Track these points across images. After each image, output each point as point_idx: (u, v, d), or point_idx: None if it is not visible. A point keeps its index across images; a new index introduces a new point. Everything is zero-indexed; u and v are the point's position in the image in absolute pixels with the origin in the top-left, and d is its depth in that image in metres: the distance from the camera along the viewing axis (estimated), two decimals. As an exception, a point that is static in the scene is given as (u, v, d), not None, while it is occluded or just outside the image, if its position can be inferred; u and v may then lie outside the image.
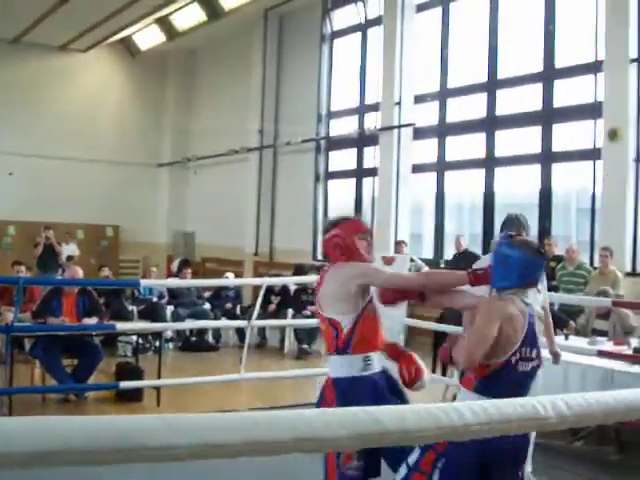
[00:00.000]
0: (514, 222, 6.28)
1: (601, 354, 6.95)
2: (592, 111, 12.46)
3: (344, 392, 4.26)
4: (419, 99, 16.02)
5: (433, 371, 10.29)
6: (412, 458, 3.89)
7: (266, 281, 10.44)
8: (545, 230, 13.15)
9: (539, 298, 6.46)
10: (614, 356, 6.97)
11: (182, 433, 1.30)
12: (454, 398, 8.80)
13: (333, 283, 4.36)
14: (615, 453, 7.24)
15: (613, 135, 11.81)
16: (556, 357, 6.38)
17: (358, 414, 1.52)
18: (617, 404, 1.88)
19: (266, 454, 1.45)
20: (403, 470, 3.93)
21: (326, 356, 4.58)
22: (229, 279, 13.76)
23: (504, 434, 1.77)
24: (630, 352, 7.10)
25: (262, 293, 9.35)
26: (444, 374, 9.64)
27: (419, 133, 15.92)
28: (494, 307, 3.94)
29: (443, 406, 1.66)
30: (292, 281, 13.42)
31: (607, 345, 7.79)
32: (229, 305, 14.06)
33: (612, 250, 10.62)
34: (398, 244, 14.26)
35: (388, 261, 8.98)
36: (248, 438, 1.36)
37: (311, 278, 12.69)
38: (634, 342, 7.78)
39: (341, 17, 18.54)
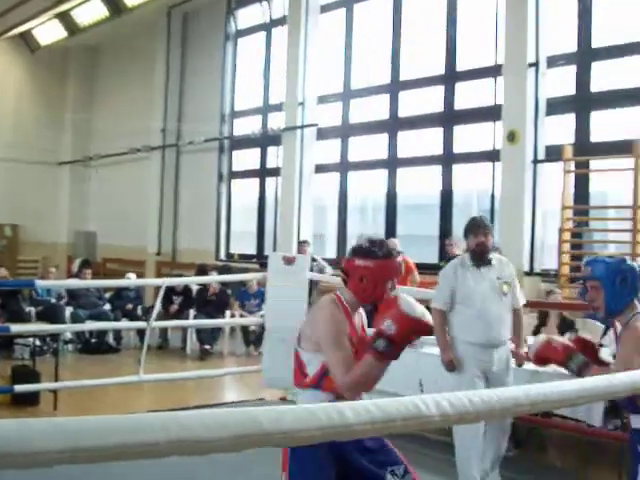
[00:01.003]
0: (480, 225, 6.23)
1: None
2: (492, 114, 12.69)
3: None
4: (323, 99, 16.06)
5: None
6: None
7: (166, 281, 10.29)
8: (446, 231, 13.33)
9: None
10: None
11: (39, 437, 1.24)
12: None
13: None
14: (511, 449, 7.36)
15: (511, 137, 12.05)
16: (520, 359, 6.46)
17: (236, 415, 1.49)
18: (500, 402, 1.89)
19: (139, 457, 1.40)
20: None
21: None
22: (128, 279, 13.53)
23: (389, 433, 1.76)
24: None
25: (162, 293, 9.21)
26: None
27: (322, 133, 15.97)
28: None
29: (325, 406, 1.63)
30: (192, 281, 13.30)
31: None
32: (130, 306, 13.83)
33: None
34: (301, 244, 14.24)
35: (289, 261, 8.93)
36: (118, 441, 1.31)
37: (213, 278, 12.64)
38: (530, 340, 7.91)
39: (246, 16, 18.48)
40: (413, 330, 3.55)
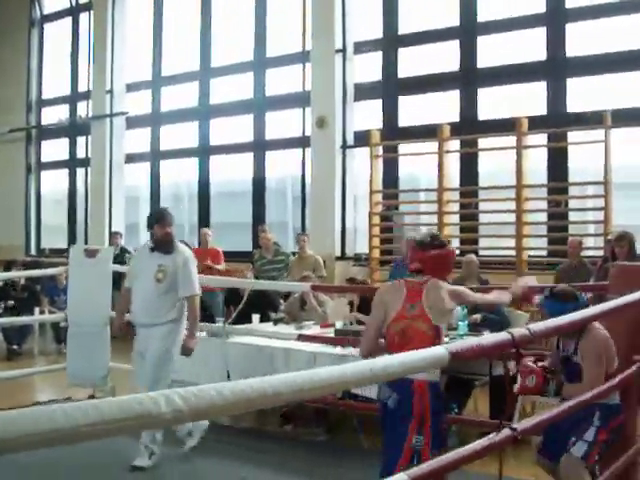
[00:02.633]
0: (168, 216, 6.42)
1: (301, 338, 7.02)
2: (301, 100, 12.69)
3: (438, 396, 4.45)
4: (132, 87, 15.64)
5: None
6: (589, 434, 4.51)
7: (-36, 279, 9.71)
8: (260, 218, 13.25)
9: None
10: (314, 339, 7.06)
11: None
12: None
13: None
14: (323, 434, 7.36)
15: (320, 123, 12.09)
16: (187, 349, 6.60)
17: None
18: (246, 394, 1.76)
19: None
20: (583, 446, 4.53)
21: None
22: None
23: (114, 435, 1.60)
24: (332, 335, 7.22)
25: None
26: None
27: (132, 122, 15.56)
28: None
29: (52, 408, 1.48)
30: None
31: (314, 329, 7.89)
32: None
33: (308, 234, 10.86)
34: (113, 235, 13.84)
35: (91, 253, 8.59)
36: None
37: (13, 274, 12.06)
38: (339, 325, 7.93)
39: (51, 1, 17.73)
40: None
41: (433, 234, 4.93)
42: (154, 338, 6.30)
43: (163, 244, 6.33)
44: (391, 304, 4.56)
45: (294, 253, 11.21)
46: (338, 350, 6.93)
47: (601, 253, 8.95)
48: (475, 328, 7.34)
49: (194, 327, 6.46)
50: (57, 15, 17.62)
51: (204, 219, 14.18)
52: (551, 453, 4.78)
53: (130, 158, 15.66)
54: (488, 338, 3.00)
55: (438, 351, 2.61)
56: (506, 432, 3.14)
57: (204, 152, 14.51)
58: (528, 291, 5.15)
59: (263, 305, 9.44)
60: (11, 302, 12.78)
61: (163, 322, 6.31)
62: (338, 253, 11.95)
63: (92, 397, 8.82)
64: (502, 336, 3.02)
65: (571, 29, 10.70)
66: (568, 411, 3.97)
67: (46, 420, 1.43)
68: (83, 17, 16.71)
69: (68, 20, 17.22)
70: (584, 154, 10.48)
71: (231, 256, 12.00)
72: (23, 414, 1.46)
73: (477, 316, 7.70)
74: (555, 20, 10.72)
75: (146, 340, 6.34)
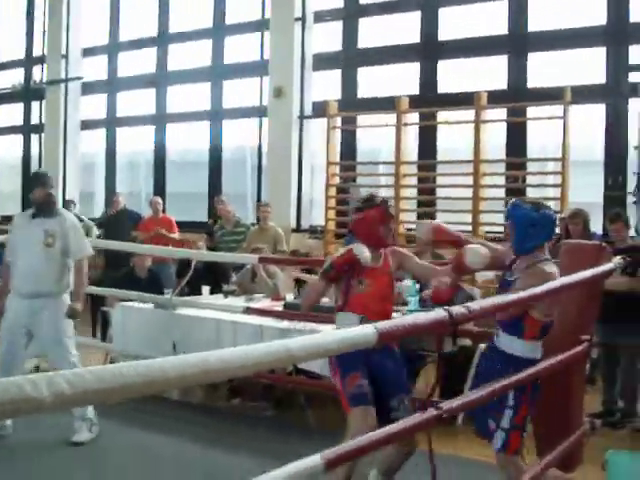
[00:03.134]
0: (49, 180, 6.26)
1: (249, 311, 6.87)
2: (259, 69, 12.48)
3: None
4: (88, 52, 15.30)
5: (93, 335, 9.88)
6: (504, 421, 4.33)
7: None
8: (216, 188, 13.07)
9: None
10: (262, 312, 6.92)
11: None
12: (112, 362, 8.47)
13: None
14: (270, 409, 7.26)
15: (278, 93, 11.90)
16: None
17: None
18: (128, 378, 1.61)
19: None
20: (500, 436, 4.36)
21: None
22: None
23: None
24: (281, 308, 7.09)
25: None
26: (104, 339, 9.21)
27: (88, 88, 15.23)
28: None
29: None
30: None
31: (263, 302, 7.76)
32: None
33: (270, 205, 10.65)
34: (66, 203, 13.53)
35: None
36: None
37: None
38: (289, 298, 7.81)
39: (6, -39, 17.28)
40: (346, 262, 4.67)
41: (366, 196, 5.06)
42: (46, 313, 6.02)
43: (45, 206, 6.09)
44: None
45: (254, 224, 11.05)
46: (285, 324, 6.80)
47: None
48: (426, 304, 7.24)
49: (81, 288, 6.25)
50: (12, -25, 17.18)
51: (160, 188, 13.94)
52: (481, 432, 4.67)
53: (86, 125, 15.34)
54: (424, 316, 2.87)
55: (366, 330, 2.47)
56: (431, 412, 3.04)
57: (161, 120, 14.24)
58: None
59: (215, 277, 9.29)
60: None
61: (54, 292, 6.05)
62: (294, 225, 11.80)
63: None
64: (439, 314, 2.90)
65: (533, 3, 10.57)
66: (497, 392, 3.86)
67: None
68: (38, -22, 16.29)
69: (23, -19, 16.79)
70: (543, 130, 10.41)
71: (186, 226, 11.79)
72: None
73: (428, 292, 7.59)
74: (517, -7, 10.60)
75: (33, 314, 6.02)
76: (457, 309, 2.99)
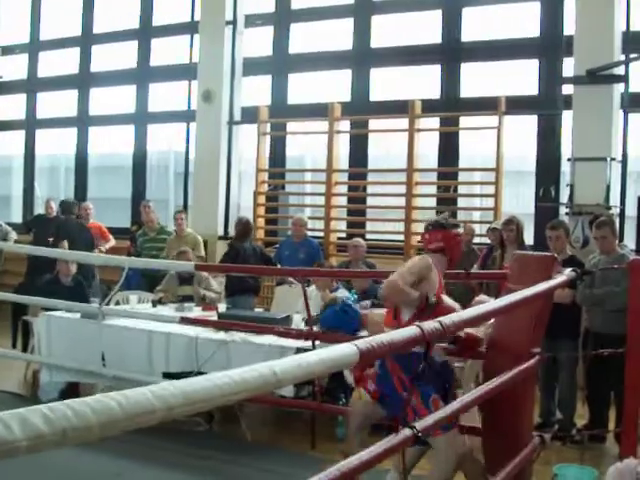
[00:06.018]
0: None
1: (184, 321, 6.60)
2: (187, 72, 12.19)
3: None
4: (7, 50, 14.76)
5: (13, 346, 9.46)
6: None
7: None
8: (140, 193, 12.72)
9: None
10: (198, 322, 6.66)
11: None
12: (34, 375, 8.12)
13: None
14: (204, 424, 7.01)
15: (207, 97, 11.65)
16: None
17: None
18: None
19: None
20: None
21: None
22: None
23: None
24: (216, 318, 6.85)
25: None
26: (25, 349, 8.83)
27: (6, 87, 14.69)
28: None
29: None
30: None
31: (195, 312, 7.51)
32: None
33: (186, 212, 10.42)
34: (-19, 207, 13.08)
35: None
36: None
37: None
38: (222, 308, 7.59)
39: None
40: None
41: (448, 216, 5.39)
42: None
43: None
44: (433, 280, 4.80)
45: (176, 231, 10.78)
46: (221, 335, 6.57)
47: (486, 240, 8.82)
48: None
49: None
50: None
51: (81, 193, 13.50)
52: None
53: (3, 125, 14.80)
54: (398, 333, 2.69)
55: (347, 349, 2.28)
56: (406, 432, 2.87)
57: (83, 122, 13.79)
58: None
59: (142, 285, 9.03)
60: None
61: None
62: (221, 232, 11.55)
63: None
64: (411, 331, 2.74)
65: (467, 14, 10.56)
66: (468, 406, 3.74)
67: None
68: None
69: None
70: (476, 140, 10.39)
71: (110, 232, 11.42)
72: None
73: (367, 302, 7.48)
74: (452, 4, 10.55)
75: None
76: (429, 324, 2.84)
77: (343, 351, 2.28)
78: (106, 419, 1.40)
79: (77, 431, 1.35)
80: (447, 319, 3.07)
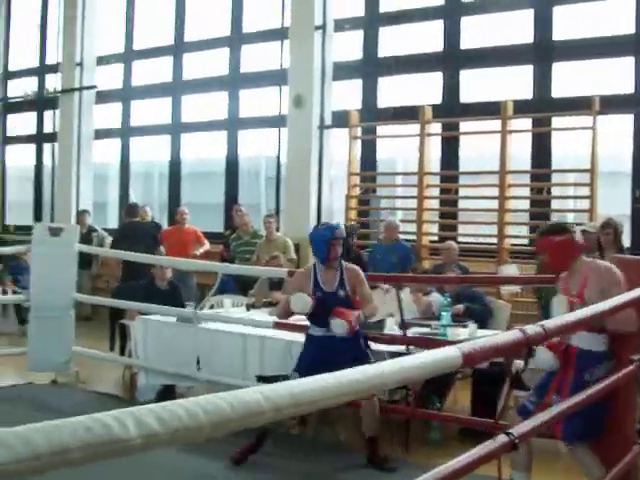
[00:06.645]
0: None
1: (278, 325, 6.64)
2: (278, 78, 12.29)
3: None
4: (102, 60, 15.13)
5: (111, 349, 9.65)
6: None
7: None
8: (232, 198, 12.87)
9: None
10: (290, 327, 6.68)
11: None
12: (132, 377, 8.27)
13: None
14: (294, 427, 7.02)
15: (298, 102, 11.72)
16: None
17: None
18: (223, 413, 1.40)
19: None
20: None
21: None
22: None
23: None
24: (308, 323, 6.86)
25: None
26: (122, 352, 9.01)
27: (102, 96, 15.05)
28: None
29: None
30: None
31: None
32: None
33: (275, 216, 10.47)
34: (80, 214, 13.41)
35: (55, 232, 8.16)
36: None
37: None
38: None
39: (19, -30, 17.14)
40: None
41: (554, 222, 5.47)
42: None
43: None
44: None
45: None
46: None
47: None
48: (458, 318, 7.07)
49: None
50: (26, -16, 17.03)
51: (174, 199, 13.75)
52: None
53: (99, 134, 15.16)
54: (501, 337, 2.67)
55: (450, 352, 2.27)
56: (502, 439, 2.82)
57: (176, 129, 14.04)
58: None
59: (235, 288, 9.12)
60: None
61: None
62: (312, 236, 11.58)
63: (54, 382, 8.46)
64: (514, 335, 2.71)
65: (559, 12, 10.36)
66: (567, 411, 3.68)
67: None
68: (52, -14, 16.14)
69: (37, -11, 16.65)
70: (570, 141, 10.20)
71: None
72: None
73: (460, 306, 7.41)
74: (543, 2, 10.39)
75: None
76: (532, 328, 2.80)
77: (446, 354, 2.27)
78: (217, 419, 1.42)
79: (189, 431, 1.37)
80: (550, 323, 3.02)
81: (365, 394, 1.86)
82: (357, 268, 6.13)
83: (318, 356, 5.74)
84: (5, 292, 12.23)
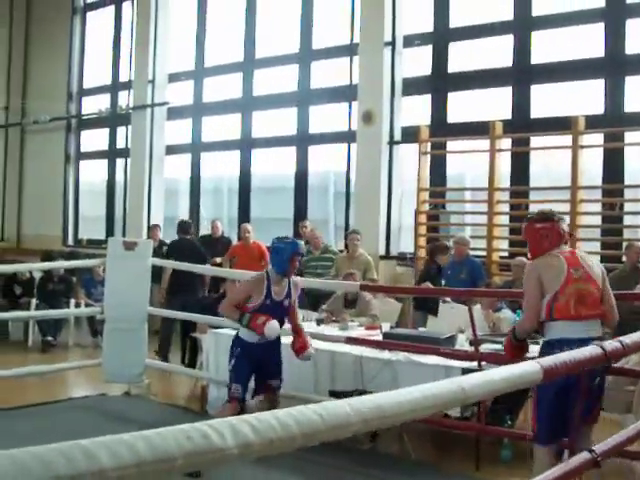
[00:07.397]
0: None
1: (350, 340, 6.67)
2: (347, 93, 12.36)
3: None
4: (174, 77, 15.39)
5: (182, 362, 9.78)
6: None
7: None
8: (301, 213, 12.96)
9: None
10: (363, 342, 6.71)
11: None
12: (203, 390, 8.36)
13: None
14: (366, 442, 7.03)
15: (367, 118, 11.76)
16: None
17: None
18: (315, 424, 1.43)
19: None
20: None
21: None
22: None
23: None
24: (380, 338, 6.89)
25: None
26: (193, 365, 9.13)
27: (173, 113, 15.30)
28: None
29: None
30: (35, 268, 12.41)
31: (358, 331, 7.57)
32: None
33: (360, 233, 10.46)
34: (152, 228, 13.60)
35: (129, 246, 8.32)
36: None
37: (55, 265, 11.85)
38: (385, 327, 7.61)
39: (94, -11, 17.53)
40: None
41: (543, 210, 5.27)
42: None
43: None
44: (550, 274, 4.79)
45: (342, 251, 10.92)
46: (386, 354, 6.60)
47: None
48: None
49: None
50: (100, 3, 17.37)
51: (244, 214, 13.89)
52: None
53: (170, 149, 15.41)
54: (579, 353, 2.66)
55: (530, 367, 2.27)
56: (585, 456, 2.81)
57: (246, 145, 14.21)
58: None
59: (307, 303, 9.18)
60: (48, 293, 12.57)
61: None
62: (383, 252, 11.60)
63: (127, 393, 8.60)
64: (594, 350, 2.70)
65: (631, 25, 10.25)
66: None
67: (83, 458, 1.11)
68: (126, 5, 16.46)
69: (111, 8, 16.98)
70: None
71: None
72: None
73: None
74: (614, 16, 10.28)
75: None
76: (611, 344, 2.79)
77: (527, 369, 2.28)
78: (308, 430, 1.45)
79: (282, 441, 1.41)
80: (627, 338, 3.00)
81: (448, 407, 1.87)
82: (301, 280, 6.86)
83: (254, 362, 6.28)
84: (78, 305, 12.48)
